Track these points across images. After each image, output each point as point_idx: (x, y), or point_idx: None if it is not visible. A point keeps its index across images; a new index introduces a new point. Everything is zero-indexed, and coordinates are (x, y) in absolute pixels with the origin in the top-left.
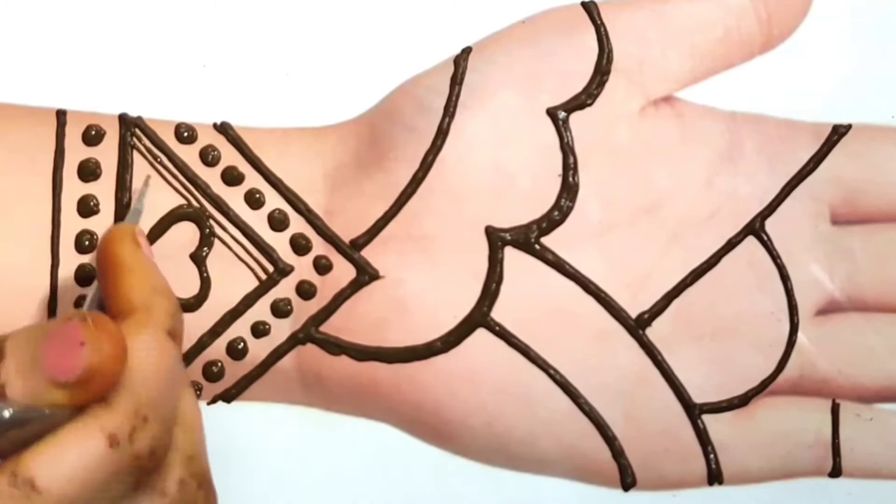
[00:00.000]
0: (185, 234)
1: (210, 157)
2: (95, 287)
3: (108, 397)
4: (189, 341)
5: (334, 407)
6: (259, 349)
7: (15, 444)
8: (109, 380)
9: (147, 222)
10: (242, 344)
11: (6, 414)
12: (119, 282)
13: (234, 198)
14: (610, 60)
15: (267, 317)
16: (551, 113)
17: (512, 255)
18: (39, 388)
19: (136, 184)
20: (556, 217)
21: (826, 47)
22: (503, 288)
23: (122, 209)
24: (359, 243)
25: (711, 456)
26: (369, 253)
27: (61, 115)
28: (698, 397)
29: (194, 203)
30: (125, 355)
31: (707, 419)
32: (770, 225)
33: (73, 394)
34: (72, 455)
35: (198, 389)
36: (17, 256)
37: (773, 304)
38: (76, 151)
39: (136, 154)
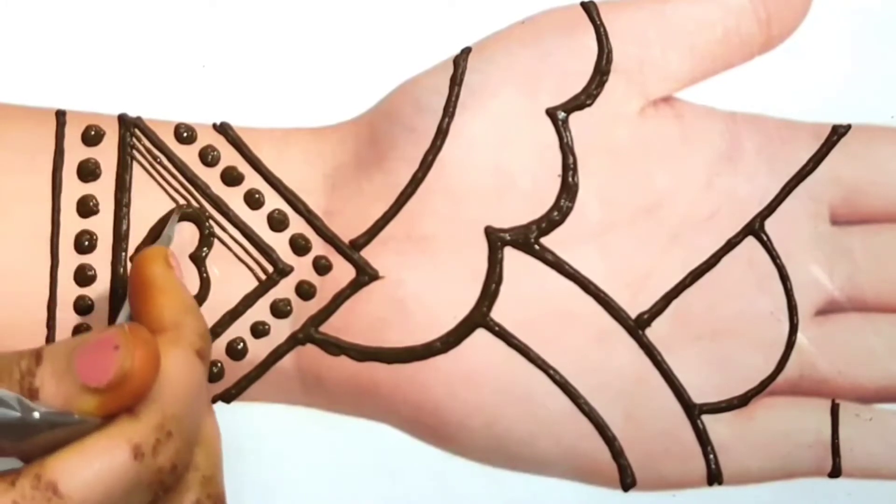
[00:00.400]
0: (184, 234)
1: (210, 157)
2: (126, 307)
3: (135, 409)
4: None
5: (334, 407)
6: (259, 349)
7: (42, 448)
8: (140, 387)
9: (147, 222)
10: (242, 344)
11: (36, 415)
12: (151, 301)
13: (233, 198)
14: (609, 60)
15: (267, 317)
16: (551, 113)
17: (511, 256)
18: (71, 392)
19: (136, 184)
20: (555, 217)
21: (826, 47)
22: (503, 288)
23: (122, 209)
24: (358, 244)
25: (711, 456)
26: (369, 253)
27: (61, 116)
28: (698, 397)
29: (194, 203)
30: (158, 363)
31: (707, 419)
32: (770, 225)
33: (104, 400)
34: (96, 463)
35: None
36: (16, 256)
37: (773, 304)
38: (76, 151)
39: (135, 154)
